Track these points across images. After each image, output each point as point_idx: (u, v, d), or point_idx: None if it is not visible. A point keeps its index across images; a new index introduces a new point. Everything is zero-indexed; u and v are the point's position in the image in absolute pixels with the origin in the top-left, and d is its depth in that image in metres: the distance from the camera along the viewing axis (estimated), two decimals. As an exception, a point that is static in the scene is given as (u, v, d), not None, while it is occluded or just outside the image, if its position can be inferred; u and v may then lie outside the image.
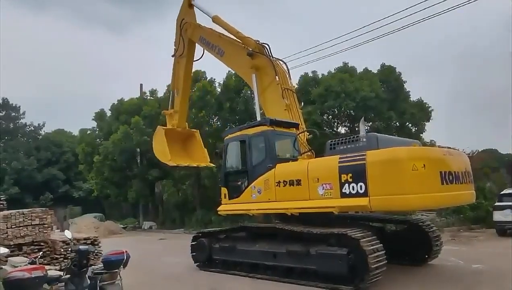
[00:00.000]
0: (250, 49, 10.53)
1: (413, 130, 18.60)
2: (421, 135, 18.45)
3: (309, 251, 7.36)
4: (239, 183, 9.31)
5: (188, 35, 12.62)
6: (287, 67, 10.86)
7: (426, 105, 19.24)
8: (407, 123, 18.66)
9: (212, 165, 13.40)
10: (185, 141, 13.26)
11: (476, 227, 15.97)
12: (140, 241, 15.49)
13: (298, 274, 7.60)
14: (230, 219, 16.73)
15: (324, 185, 7.45)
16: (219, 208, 9.78)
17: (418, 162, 6.56)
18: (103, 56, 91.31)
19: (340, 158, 7.34)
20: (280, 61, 10.74)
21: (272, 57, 10.53)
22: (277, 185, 8.30)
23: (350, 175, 7.05)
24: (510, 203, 13.35)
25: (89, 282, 5.37)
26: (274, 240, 8.27)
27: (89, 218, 27.05)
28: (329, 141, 8.25)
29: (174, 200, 26.20)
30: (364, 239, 6.69)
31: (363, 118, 9.89)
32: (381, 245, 6.89)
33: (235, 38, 11.21)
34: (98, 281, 5.19)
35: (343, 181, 7.14)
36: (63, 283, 5.07)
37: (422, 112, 18.96)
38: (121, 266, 5.31)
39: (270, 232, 8.47)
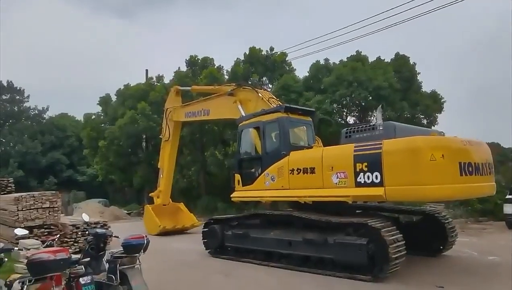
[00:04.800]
0: (229, 90, 11.50)
1: (425, 121, 18.40)
2: (432, 126, 18.26)
3: (326, 240, 7.27)
4: (253, 170, 9.24)
5: (174, 119, 14.20)
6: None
7: (439, 97, 19.02)
8: (419, 114, 18.44)
9: (199, 222, 14.59)
10: (174, 213, 14.97)
11: (484, 220, 15.91)
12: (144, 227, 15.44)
13: (315, 263, 7.52)
14: (236, 207, 16.71)
15: (338, 174, 7.35)
16: (232, 195, 9.71)
17: (437, 152, 6.38)
18: (108, 40, 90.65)
19: (355, 146, 7.21)
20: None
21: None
22: (290, 173, 8.20)
23: (366, 164, 6.93)
24: (521, 197, 13.27)
25: (107, 266, 5.33)
26: (289, 228, 8.18)
27: (94, 203, 27.09)
28: (345, 129, 8.13)
29: (179, 186, 26.17)
30: (385, 229, 6.61)
31: (380, 106, 9.73)
32: (401, 235, 6.79)
33: (213, 93, 12.69)
34: (118, 265, 5.12)
35: (358, 170, 7.03)
36: (81, 266, 4.99)
37: (436, 104, 18.73)
38: (142, 250, 5.25)
39: (284, 220, 8.39)
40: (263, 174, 8.85)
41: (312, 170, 7.79)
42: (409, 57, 18.81)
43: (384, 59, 18.88)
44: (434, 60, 55.36)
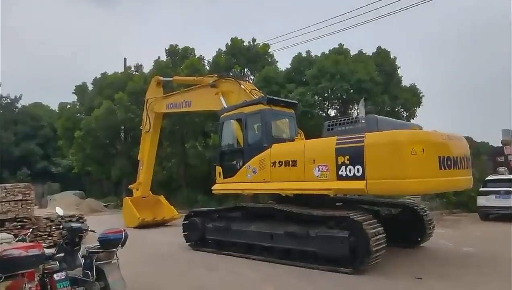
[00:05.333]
0: (211, 81, 11.28)
1: (405, 115, 18.69)
2: (411, 120, 18.56)
3: (308, 233, 7.25)
4: (234, 162, 9.11)
5: (155, 110, 13.91)
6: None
7: (418, 91, 19.35)
8: (399, 108, 18.69)
9: (179, 215, 14.28)
10: (154, 205, 14.80)
11: (458, 211, 16.39)
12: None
13: (296, 255, 7.51)
14: (216, 199, 16.61)
15: (320, 167, 7.31)
16: (213, 187, 9.58)
17: (418, 146, 6.42)
18: (85, 27, 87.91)
19: (337, 139, 7.18)
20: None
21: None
22: (272, 166, 8.13)
23: (348, 157, 6.91)
24: (495, 189, 13.68)
25: (82, 261, 5.14)
26: (270, 221, 8.13)
27: (69, 195, 26.35)
28: (327, 121, 8.11)
29: (158, 178, 25.78)
30: (367, 222, 6.64)
31: (363, 99, 9.74)
32: (382, 228, 6.85)
33: (195, 84, 12.46)
34: (94, 260, 4.94)
35: (340, 163, 7.00)
36: (56, 261, 4.80)
37: (414, 98, 19.05)
38: (119, 245, 5.09)
39: (265, 213, 8.32)
40: (244, 166, 8.75)
41: (294, 163, 7.73)
42: (389, 52, 19.03)
43: (365, 53, 19.02)
44: (413, 55, 56.45)
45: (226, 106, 10.13)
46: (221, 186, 9.37)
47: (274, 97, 9.65)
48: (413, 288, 5.97)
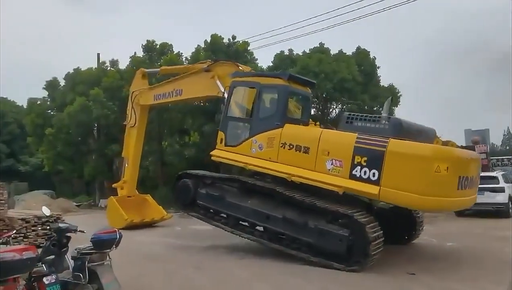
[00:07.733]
0: (205, 66, 10.69)
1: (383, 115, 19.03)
2: (389, 120, 18.90)
3: (307, 223, 7.04)
4: (239, 131, 8.69)
5: (142, 102, 12.97)
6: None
7: (396, 90, 19.78)
8: (378, 107, 19.02)
9: (168, 215, 13.65)
10: (139, 205, 13.71)
11: (434, 208, 16.90)
12: (101, 219, 14.47)
13: (290, 241, 7.33)
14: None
15: (333, 161, 7.04)
16: (212, 152, 9.04)
17: (443, 164, 6.21)
18: (55, 20, 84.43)
19: (358, 137, 6.89)
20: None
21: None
22: (282, 147, 7.74)
23: (365, 158, 6.66)
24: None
25: (71, 263, 4.89)
26: (267, 201, 7.79)
27: (39, 195, 25.26)
28: (347, 113, 7.92)
29: (134, 176, 25.13)
30: (369, 225, 6.52)
31: (390, 98, 9.55)
32: (382, 231, 6.76)
33: (185, 72, 11.75)
34: (86, 262, 4.69)
35: (356, 162, 6.75)
36: (43, 264, 4.53)
37: (393, 98, 19.44)
38: (114, 246, 4.85)
39: (263, 191, 7.95)
40: (250, 139, 8.22)
41: (306, 150, 7.38)
42: (369, 52, 19.37)
43: (346, 53, 19.24)
44: (390, 55, 58.03)
45: (223, 90, 9.51)
46: (221, 153, 8.79)
47: (295, 74, 9.23)
48: (409, 283, 6.00)
